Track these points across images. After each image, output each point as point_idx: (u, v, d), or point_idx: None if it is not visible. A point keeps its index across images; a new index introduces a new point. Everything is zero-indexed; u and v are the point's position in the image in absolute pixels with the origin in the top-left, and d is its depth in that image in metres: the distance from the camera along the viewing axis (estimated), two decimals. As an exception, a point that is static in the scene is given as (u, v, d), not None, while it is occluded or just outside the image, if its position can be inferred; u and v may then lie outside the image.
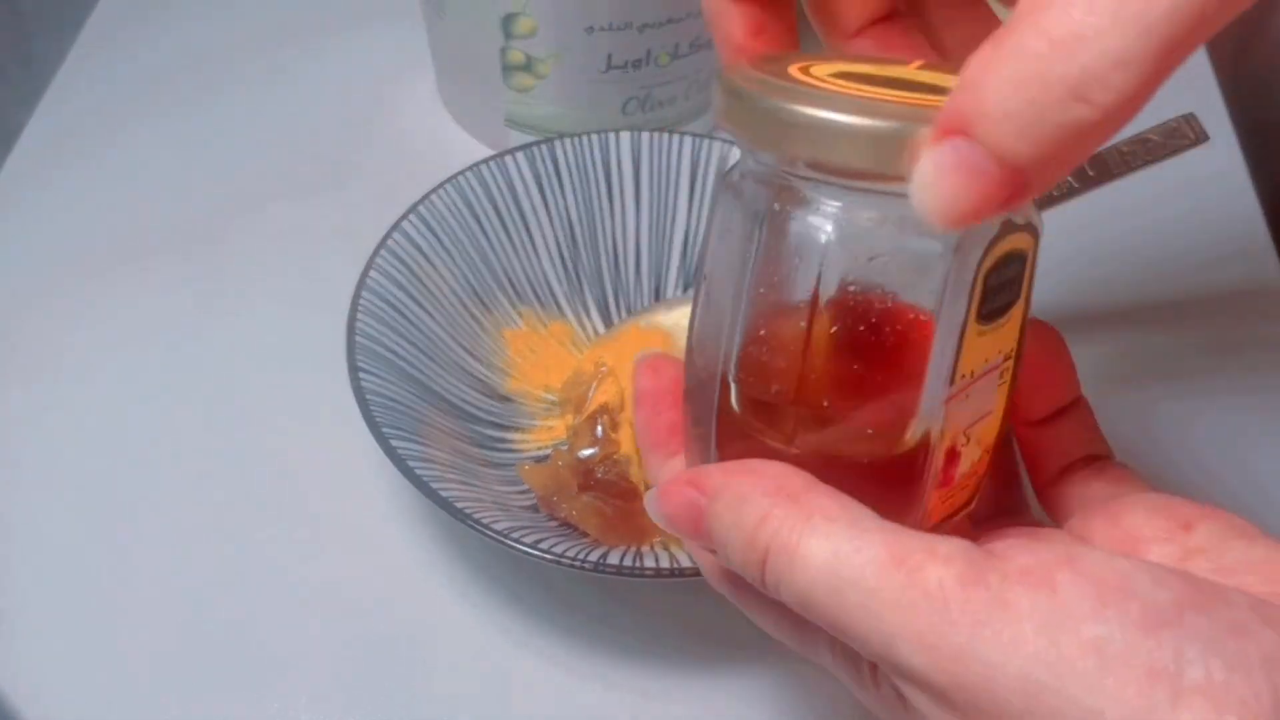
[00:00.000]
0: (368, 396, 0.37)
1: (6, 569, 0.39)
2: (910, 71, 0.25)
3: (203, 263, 0.49)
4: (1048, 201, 0.41)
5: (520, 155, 0.44)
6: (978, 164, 0.18)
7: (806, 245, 0.23)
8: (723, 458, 0.26)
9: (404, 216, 0.42)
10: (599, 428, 0.40)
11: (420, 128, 0.54)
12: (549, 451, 0.41)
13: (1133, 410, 0.43)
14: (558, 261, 0.45)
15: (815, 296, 0.23)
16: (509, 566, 0.39)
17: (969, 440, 0.25)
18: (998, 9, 0.29)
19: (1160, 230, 0.49)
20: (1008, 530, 0.26)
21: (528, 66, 0.49)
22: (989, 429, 0.26)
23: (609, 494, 0.38)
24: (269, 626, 0.38)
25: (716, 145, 0.45)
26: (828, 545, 0.22)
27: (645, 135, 0.45)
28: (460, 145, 0.53)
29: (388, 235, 0.41)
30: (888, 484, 0.24)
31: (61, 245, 0.50)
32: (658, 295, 0.46)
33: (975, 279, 0.23)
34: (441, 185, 0.43)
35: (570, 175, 0.45)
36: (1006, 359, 0.25)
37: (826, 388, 0.24)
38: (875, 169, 0.21)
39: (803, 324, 0.23)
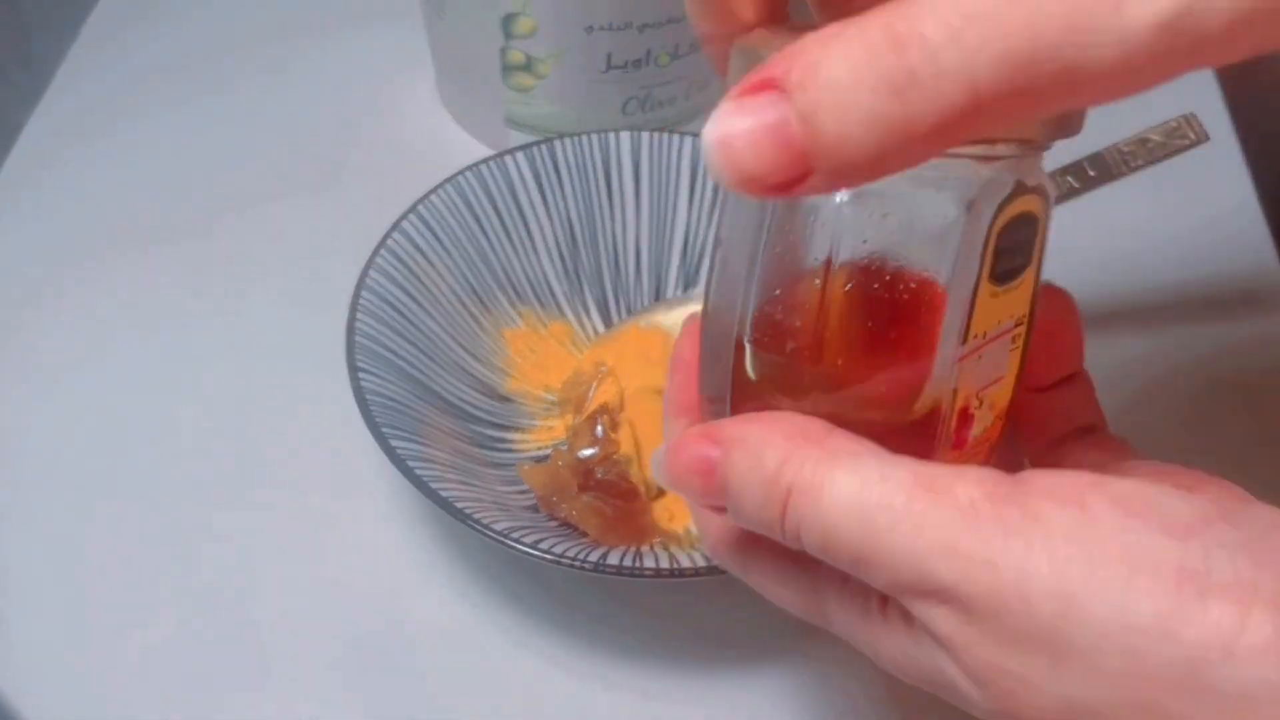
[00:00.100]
0: (368, 396, 0.37)
1: (5, 569, 0.39)
2: None
3: (202, 262, 0.49)
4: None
5: (520, 155, 0.44)
6: (782, 120, 0.18)
7: (821, 203, 0.23)
8: None
9: (404, 216, 0.42)
10: (599, 428, 0.40)
11: (420, 128, 0.54)
12: (549, 451, 0.41)
13: (1131, 410, 0.43)
14: (558, 261, 0.45)
15: (829, 256, 0.23)
16: (509, 566, 0.39)
17: (982, 403, 0.25)
18: None
19: (1160, 230, 0.49)
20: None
21: (528, 66, 0.49)
22: (1002, 393, 0.26)
23: (609, 494, 0.38)
24: (268, 626, 0.38)
25: (716, 145, 0.45)
26: (854, 477, 0.22)
27: (645, 135, 0.45)
28: (460, 145, 0.53)
29: (387, 235, 0.41)
30: (902, 444, 0.24)
31: (61, 245, 0.50)
32: (658, 295, 0.46)
33: (988, 238, 0.23)
34: (441, 185, 0.43)
35: (570, 175, 0.45)
36: (1019, 324, 0.25)
37: (841, 347, 0.24)
38: None
39: (817, 283, 0.23)
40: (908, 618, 0.23)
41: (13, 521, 0.41)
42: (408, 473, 0.35)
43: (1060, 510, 0.21)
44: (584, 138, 0.45)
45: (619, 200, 0.45)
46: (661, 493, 0.40)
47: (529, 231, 0.45)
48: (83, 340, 0.46)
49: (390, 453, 0.35)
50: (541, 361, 0.44)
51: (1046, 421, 0.28)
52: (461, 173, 0.43)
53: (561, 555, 0.34)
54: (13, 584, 0.39)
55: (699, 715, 0.36)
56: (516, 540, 0.34)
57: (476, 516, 0.34)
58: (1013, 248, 0.24)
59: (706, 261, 0.46)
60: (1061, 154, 0.36)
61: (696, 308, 0.45)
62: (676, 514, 0.40)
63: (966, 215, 0.23)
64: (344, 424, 0.39)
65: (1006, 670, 0.21)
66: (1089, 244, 0.47)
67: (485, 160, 0.44)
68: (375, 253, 0.41)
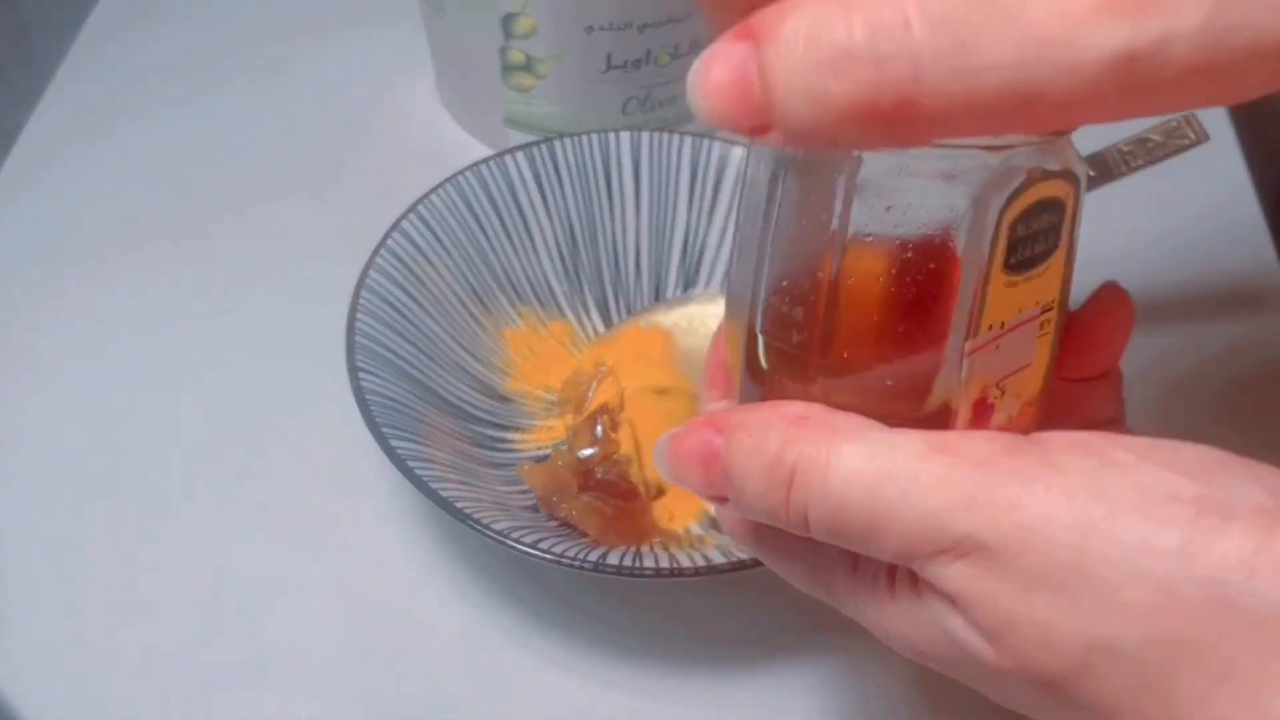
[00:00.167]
0: (368, 396, 0.37)
1: (5, 569, 0.39)
2: None
3: (202, 262, 0.49)
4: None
5: (520, 155, 0.44)
6: (747, 76, 0.19)
7: (827, 193, 0.23)
8: None
9: (403, 216, 0.42)
10: (599, 428, 0.40)
11: (420, 128, 0.54)
12: (549, 451, 0.41)
13: (1132, 410, 0.43)
14: (558, 261, 0.45)
15: (833, 245, 0.23)
16: (509, 566, 0.39)
17: (1003, 393, 0.25)
18: None
19: (1160, 230, 0.49)
20: None
21: (528, 66, 0.49)
22: (1028, 381, 0.25)
23: (609, 494, 0.38)
24: (268, 626, 0.38)
25: (717, 145, 0.45)
26: (862, 448, 0.22)
27: (645, 135, 0.45)
28: (460, 145, 0.53)
29: (387, 235, 0.41)
30: None
31: (61, 245, 0.50)
32: (658, 295, 0.46)
33: (999, 229, 0.23)
34: (441, 185, 0.43)
35: (570, 175, 0.45)
36: (1046, 310, 0.25)
37: (847, 340, 0.24)
38: None
39: (821, 274, 0.23)
40: (915, 587, 0.23)
41: (13, 521, 0.41)
42: (408, 473, 0.35)
43: (1078, 458, 0.21)
44: (584, 138, 0.45)
45: (619, 200, 0.45)
46: (661, 492, 0.40)
47: (529, 231, 0.45)
48: (82, 340, 0.46)
49: (390, 453, 0.35)
50: (541, 361, 0.44)
51: (1074, 412, 0.28)
52: (461, 173, 0.43)
53: (561, 555, 0.34)
54: (12, 584, 0.39)
55: (699, 715, 0.36)
56: (516, 540, 0.34)
57: (476, 516, 0.34)
58: (1032, 236, 0.23)
59: (706, 261, 0.46)
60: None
61: (697, 308, 0.46)
62: (676, 514, 0.40)
63: (973, 208, 0.22)
64: (344, 424, 0.39)
65: (1024, 617, 0.21)
66: (1088, 244, 0.47)
67: (485, 160, 0.44)
68: (375, 253, 0.41)
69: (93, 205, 0.51)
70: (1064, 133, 0.23)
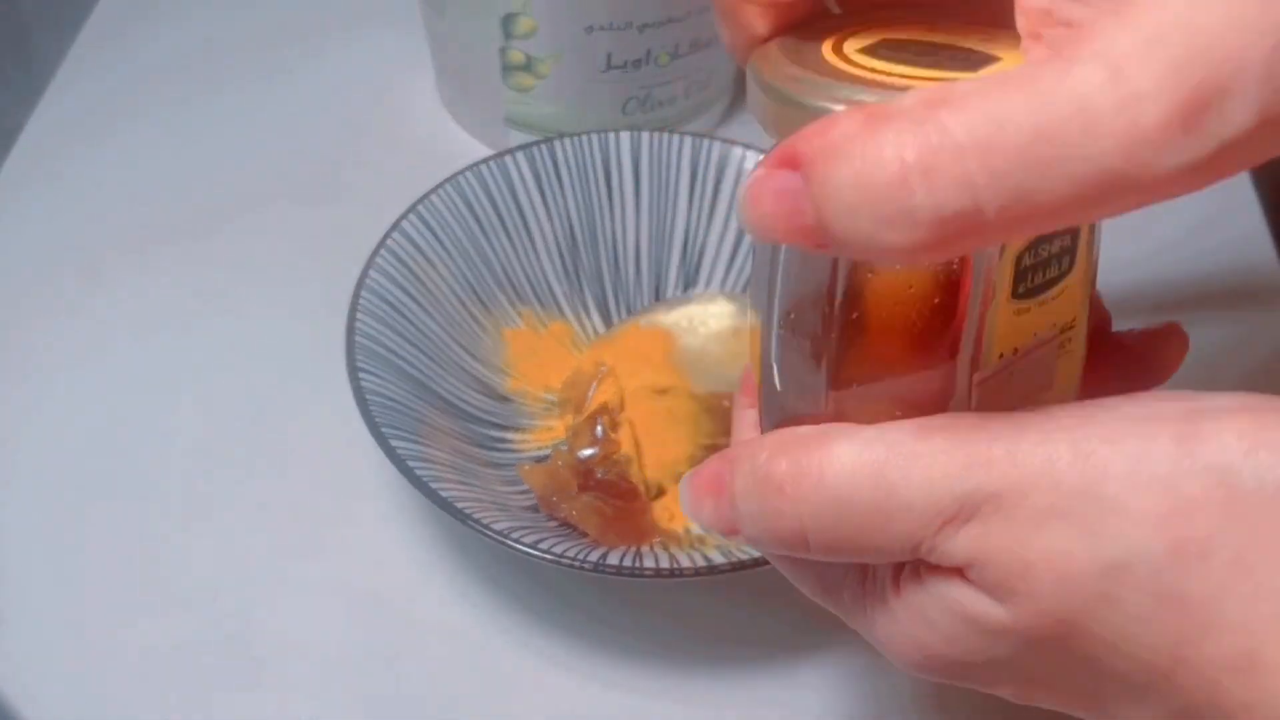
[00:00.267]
0: (368, 396, 0.37)
1: (5, 569, 0.39)
2: (954, 35, 0.24)
3: (202, 263, 0.49)
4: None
5: (520, 155, 0.44)
6: (801, 208, 0.20)
7: None
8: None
9: (403, 216, 0.42)
10: (599, 428, 0.40)
11: (420, 128, 0.54)
12: (549, 451, 0.41)
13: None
14: (558, 261, 0.45)
15: (835, 275, 0.23)
16: (509, 566, 0.39)
17: None
18: None
19: (1160, 230, 0.49)
20: None
21: (528, 66, 0.49)
22: (1049, 401, 0.25)
23: (609, 494, 0.38)
24: (268, 626, 0.38)
25: (716, 145, 0.45)
26: (854, 443, 0.22)
27: (645, 135, 0.45)
28: (460, 145, 0.53)
29: (387, 235, 0.41)
30: None
31: (61, 245, 0.50)
32: (658, 295, 0.46)
33: (1002, 260, 0.22)
34: (441, 185, 0.43)
35: (570, 175, 0.45)
36: (1065, 330, 0.25)
37: (856, 365, 0.24)
38: None
39: (831, 299, 0.23)
40: (920, 579, 0.23)
41: (13, 521, 0.41)
42: (408, 473, 0.35)
43: (1072, 409, 0.21)
44: (584, 138, 0.45)
45: (619, 200, 0.45)
46: (662, 492, 0.40)
47: (529, 231, 0.45)
48: (82, 340, 0.46)
49: (390, 453, 0.35)
50: (541, 361, 0.44)
51: None
52: (461, 173, 0.43)
53: (561, 555, 0.34)
54: (12, 584, 0.39)
55: (699, 715, 0.36)
56: (516, 540, 0.34)
57: (476, 516, 0.34)
58: (1042, 263, 0.23)
59: (706, 261, 0.46)
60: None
61: (697, 308, 0.46)
62: (676, 514, 0.40)
63: None
64: (344, 424, 0.39)
65: (1039, 556, 0.21)
66: (1089, 244, 0.47)
67: (485, 160, 0.44)
68: (375, 253, 0.41)
69: (93, 205, 0.51)
70: None
